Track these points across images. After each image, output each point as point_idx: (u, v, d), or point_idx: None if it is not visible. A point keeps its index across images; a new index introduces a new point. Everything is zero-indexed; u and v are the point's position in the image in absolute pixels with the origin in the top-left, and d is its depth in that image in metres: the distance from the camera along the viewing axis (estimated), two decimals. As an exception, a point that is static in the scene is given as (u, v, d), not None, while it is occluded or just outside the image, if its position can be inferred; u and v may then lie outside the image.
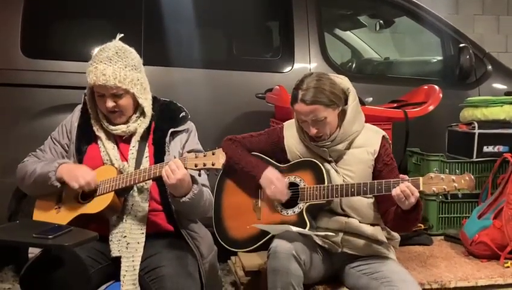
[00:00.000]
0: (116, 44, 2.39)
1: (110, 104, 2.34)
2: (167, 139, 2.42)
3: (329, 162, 2.50)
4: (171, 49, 3.73)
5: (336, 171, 2.49)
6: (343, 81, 2.51)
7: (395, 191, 2.26)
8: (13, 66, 3.47)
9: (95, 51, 2.38)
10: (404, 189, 2.24)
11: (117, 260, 2.28)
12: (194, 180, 2.29)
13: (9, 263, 3.76)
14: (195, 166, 2.19)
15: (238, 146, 2.64)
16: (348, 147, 2.49)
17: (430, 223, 3.52)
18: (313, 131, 2.43)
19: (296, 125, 2.56)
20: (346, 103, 2.46)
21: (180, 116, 2.50)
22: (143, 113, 2.43)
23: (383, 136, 2.53)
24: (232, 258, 3.19)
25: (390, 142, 2.58)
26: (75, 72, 3.44)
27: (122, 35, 2.45)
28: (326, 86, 2.40)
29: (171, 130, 2.43)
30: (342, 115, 2.46)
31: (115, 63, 2.31)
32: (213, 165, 2.17)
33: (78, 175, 2.28)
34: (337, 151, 2.49)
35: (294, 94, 2.44)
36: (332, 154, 2.50)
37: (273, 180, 2.49)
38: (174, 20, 3.71)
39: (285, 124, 2.66)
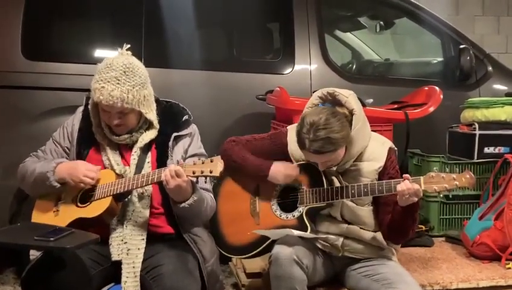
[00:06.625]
0: (124, 61, 2.29)
1: (115, 121, 2.32)
2: (170, 143, 2.40)
3: (335, 175, 2.46)
4: (171, 51, 3.72)
5: (340, 183, 2.44)
6: (348, 99, 2.36)
7: (400, 187, 2.25)
8: (14, 68, 3.45)
9: (102, 64, 2.30)
10: (410, 187, 2.23)
11: (118, 263, 2.28)
12: (194, 187, 2.28)
13: (10, 265, 3.75)
14: (193, 173, 2.18)
15: (241, 148, 2.61)
16: (355, 161, 2.44)
17: (431, 225, 3.51)
18: (322, 167, 2.39)
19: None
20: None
21: (183, 119, 2.48)
22: (146, 122, 2.40)
23: (390, 148, 2.48)
24: (233, 260, 3.17)
25: (396, 152, 2.54)
26: (75, 74, 3.45)
27: (129, 46, 2.37)
28: (335, 133, 2.24)
29: (175, 134, 2.42)
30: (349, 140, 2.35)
31: (123, 84, 2.25)
32: (211, 172, 2.16)
33: (80, 174, 2.28)
34: (343, 168, 2.45)
35: (301, 139, 2.29)
36: (338, 169, 2.45)
37: (283, 170, 2.48)
38: (175, 22, 3.70)
39: (289, 128, 2.60)
